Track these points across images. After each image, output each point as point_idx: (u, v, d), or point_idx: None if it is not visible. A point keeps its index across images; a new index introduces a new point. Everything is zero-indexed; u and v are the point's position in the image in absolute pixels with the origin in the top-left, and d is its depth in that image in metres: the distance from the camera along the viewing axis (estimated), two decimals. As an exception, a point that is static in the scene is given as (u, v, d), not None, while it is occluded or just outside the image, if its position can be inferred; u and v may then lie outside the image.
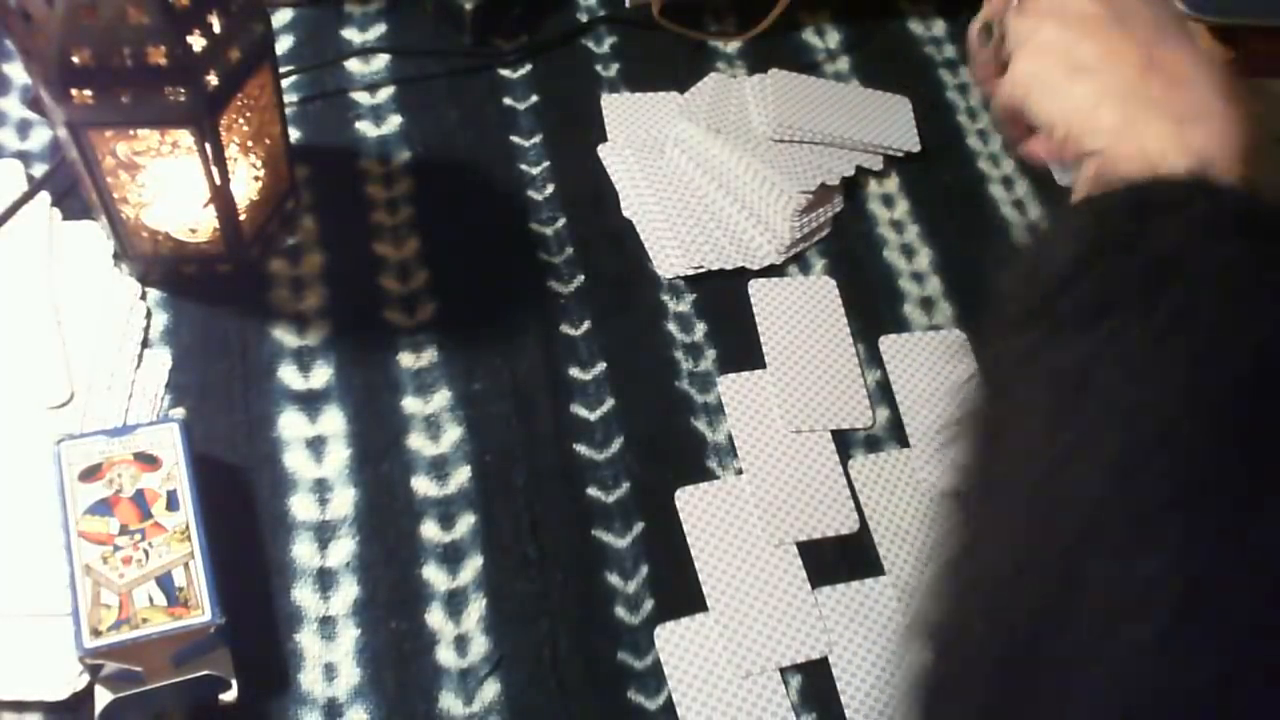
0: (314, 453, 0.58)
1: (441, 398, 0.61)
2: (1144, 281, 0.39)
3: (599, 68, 0.75)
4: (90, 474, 0.51)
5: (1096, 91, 0.54)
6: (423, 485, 0.58)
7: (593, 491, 0.59)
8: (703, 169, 0.70)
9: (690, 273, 0.67)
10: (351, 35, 0.74)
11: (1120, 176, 0.45)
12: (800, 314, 0.66)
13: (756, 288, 0.67)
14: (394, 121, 0.70)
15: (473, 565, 0.56)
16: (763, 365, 0.64)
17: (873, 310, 0.68)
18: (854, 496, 0.61)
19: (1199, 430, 0.35)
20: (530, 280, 0.66)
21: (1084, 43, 0.56)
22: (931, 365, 0.66)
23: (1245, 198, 0.42)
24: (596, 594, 0.57)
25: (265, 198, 0.62)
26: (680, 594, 0.57)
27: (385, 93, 0.71)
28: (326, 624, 0.54)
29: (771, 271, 0.68)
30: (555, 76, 0.74)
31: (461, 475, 0.59)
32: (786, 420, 0.62)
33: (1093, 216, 0.43)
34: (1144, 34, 0.55)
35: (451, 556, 0.57)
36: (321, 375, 0.61)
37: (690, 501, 0.59)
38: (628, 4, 0.77)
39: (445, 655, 0.54)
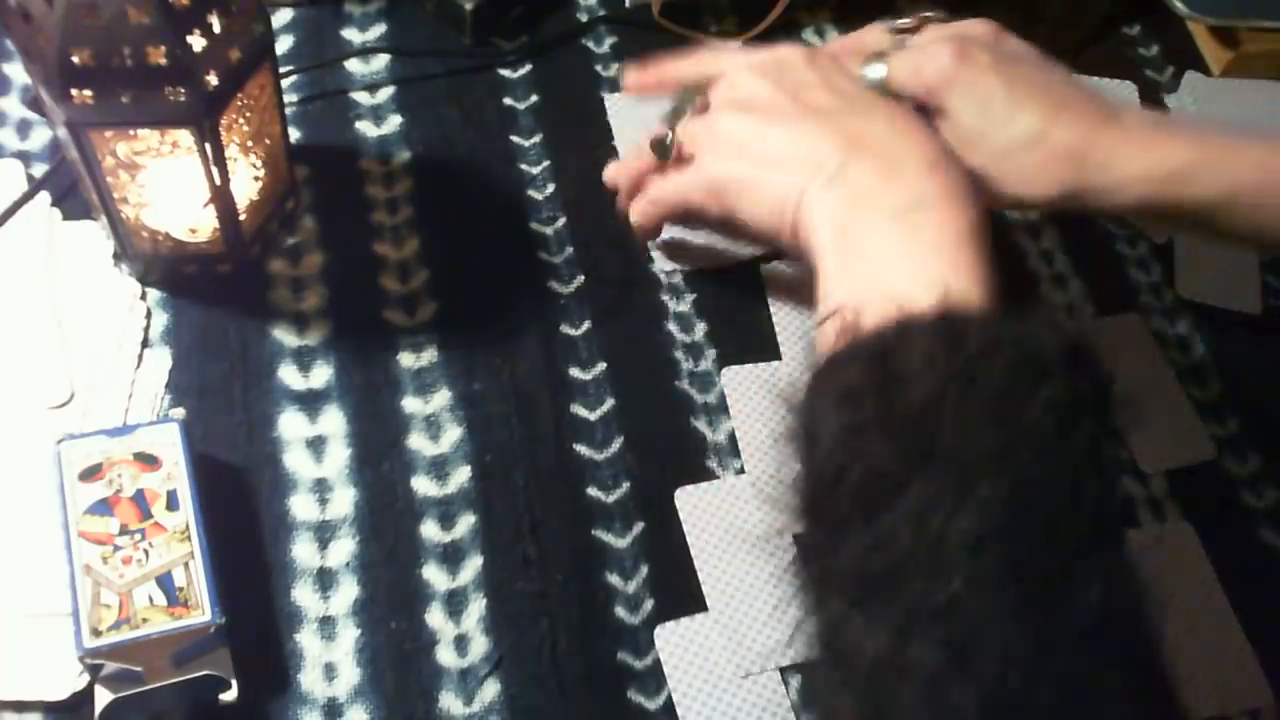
0: (314, 453, 0.58)
1: (441, 398, 0.61)
2: (903, 462, 0.39)
3: (599, 68, 0.75)
4: (90, 474, 0.51)
5: (797, 187, 0.52)
6: (423, 485, 0.58)
7: (593, 491, 0.59)
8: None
9: (689, 268, 0.67)
10: (351, 35, 0.74)
11: (855, 326, 0.44)
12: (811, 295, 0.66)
13: (769, 269, 0.68)
14: (394, 121, 0.70)
15: (473, 565, 0.56)
16: (768, 358, 0.64)
17: (873, 310, 0.68)
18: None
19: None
20: (530, 280, 0.66)
21: (770, 131, 0.54)
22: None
23: (985, 335, 0.40)
24: (596, 594, 0.57)
25: (265, 198, 0.62)
26: (680, 594, 0.57)
27: (385, 93, 0.71)
28: (326, 624, 0.54)
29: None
30: (555, 76, 0.74)
31: (461, 475, 0.59)
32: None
33: (843, 396, 0.42)
34: (833, 107, 0.53)
35: (451, 556, 0.57)
36: (321, 375, 0.61)
37: (690, 501, 0.59)
38: (628, 4, 0.77)
39: (445, 655, 0.54)
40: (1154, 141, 0.56)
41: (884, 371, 0.40)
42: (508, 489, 0.59)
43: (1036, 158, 0.56)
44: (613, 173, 0.65)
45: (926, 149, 0.51)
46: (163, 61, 0.49)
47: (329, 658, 0.53)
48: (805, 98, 0.54)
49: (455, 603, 0.55)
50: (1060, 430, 0.39)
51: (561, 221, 0.68)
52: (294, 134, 0.68)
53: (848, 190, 0.50)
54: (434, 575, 0.56)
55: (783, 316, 0.66)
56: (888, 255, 0.48)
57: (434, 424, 0.60)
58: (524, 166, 0.70)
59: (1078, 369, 0.40)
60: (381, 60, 0.73)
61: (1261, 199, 0.54)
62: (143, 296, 0.61)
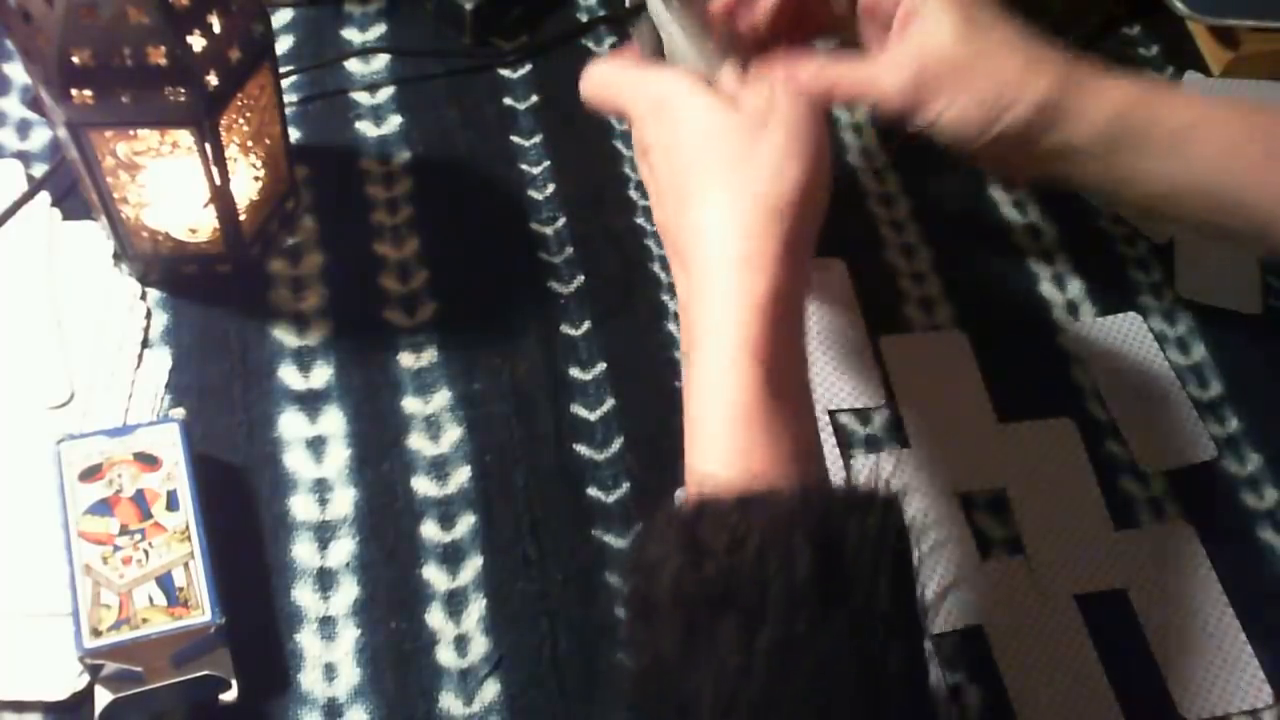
0: (314, 453, 0.58)
1: (441, 398, 0.61)
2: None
3: (599, 68, 0.75)
4: (90, 474, 0.51)
5: None
6: (423, 485, 0.58)
7: (593, 491, 0.59)
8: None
9: None
10: (351, 35, 0.74)
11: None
12: (810, 296, 0.66)
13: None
14: (394, 121, 0.70)
15: (473, 565, 0.56)
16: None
17: (873, 310, 0.68)
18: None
19: None
20: (530, 280, 0.66)
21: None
22: (931, 365, 0.66)
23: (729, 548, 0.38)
24: (596, 594, 0.57)
25: (265, 198, 0.62)
26: (680, 594, 0.57)
27: (385, 93, 0.71)
28: (326, 624, 0.54)
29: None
30: (555, 76, 0.74)
31: (461, 475, 0.59)
32: None
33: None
34: (668, 190, 0.50)
35: (451, 556, 0.57)
36: (321, 375, 0.61)
37: (690, 501, 0.59)
38: (628, 4, 0.77)
39: (445, 655, 0.54)
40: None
41: (644, 595, 0.40)
42: (508, 489, 0.59)
43: (1028, 57, 0.54)
44: None
45: (714, 248, 0.47)
46: (163, 61, 0.50)
47: (329, 658, 0.53)
48: (657, 182, 0.51)
49: (455, 603, 0.55)
50: (811, 627, 0.37)
51: (561, 221, 0.68)
52: (294, 134, 0.68)
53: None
54: (434, 575, 0.56)
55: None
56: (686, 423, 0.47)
57: (434, 424, 0.60)
58: (524, 166, 0.70)
59: (831, 548, 0.38)
60: (381, 60, 0.73)
61: (1231, 136, 0.53)
62: (143, 296, 0.61)
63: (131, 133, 0.53)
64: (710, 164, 0.48)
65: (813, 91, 0.53)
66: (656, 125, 0.50)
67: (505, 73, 0.74)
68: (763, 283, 0.45)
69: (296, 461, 0.58)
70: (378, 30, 0.74)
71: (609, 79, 0.53)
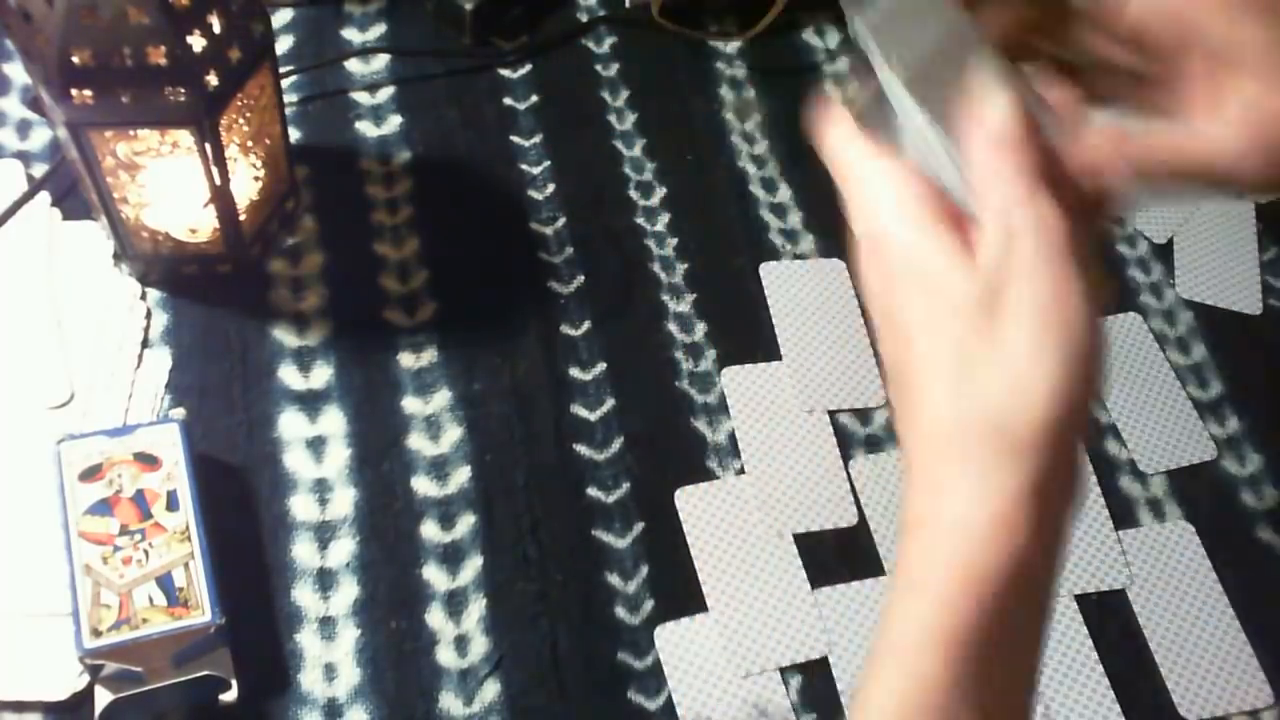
0: (314, 453, 0.58)
1: (441, 398, 0.61)
2: None
3: (599, 68, 0.75)
4: (90, 474, 0.51)
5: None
6: (423, 485, 0.58)
7: (593, 491, 0.59)
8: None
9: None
10: (351, 35, 0.74)
11: None
12: (811, 297, 0.67)
13: (768, 270, 0.68)
14: (394, 121, 0.70)
15: (473, 565, 0.56)
16: (768, 358, 0.64)
17: (873, 310, 0.68)
18: (854, 493, 0.61)
19: None
20: (530, 280, 0.66)
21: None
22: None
23: None
24: (596, 594, 0.57)
25: (265, 198, 0.62)
26: (680, 594, 0.57)
27: (385, 93, 0.71)
28: (326, 624, 0.54)
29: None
30: (555, 76, 0.74)
31: (461, 475, 0.59)
32: (801, 401, 0.63)
33: None
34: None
35: (451, 556, 0.57)
36: (321, 375, 0.61)
37: (690, 501, 0.59)
38: (628, 4, 0.77)
39: (445, 655, 0.54)
40: None
41: None
42: (508, 489, 0.59)
43: None
44: None
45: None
46: (163, 61, 0.50)
47: (329, 658, 0.53)
48: (873, 309, 0.38)
49: (455, 603, 0.55)
50: None
51: (561, 221, 0.68)
52: (294, 134, 0.68)
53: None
54: (434, 575, 0.56)
55: (783, 317, 0.66)
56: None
57: (434, 424, 0.60)
58: (524, 166, 0.70)
59: None
60: (381, 60, 0.73)
61: None
62: (143, 296, 0.61)
63: (131, 133, 0.53)
64: (928, 354, 0.35)
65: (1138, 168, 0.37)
66: (871, 257, 0.37)
67: (505, 73, 0.74)
68: (987, 550, 0.33)
69: (296, 461, 0.58)
70: (378, 30, 0.74)
71: (844, 155, 0.38)
